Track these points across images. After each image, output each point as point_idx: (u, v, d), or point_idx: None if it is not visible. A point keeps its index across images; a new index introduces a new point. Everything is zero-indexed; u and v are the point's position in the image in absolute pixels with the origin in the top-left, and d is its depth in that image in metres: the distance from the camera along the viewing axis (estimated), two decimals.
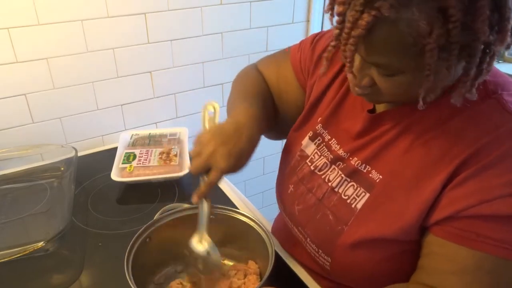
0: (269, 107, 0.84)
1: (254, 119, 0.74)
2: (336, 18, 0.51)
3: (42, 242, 0.76)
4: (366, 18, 0.46)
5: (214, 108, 0.78)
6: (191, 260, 0.69)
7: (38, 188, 1.01)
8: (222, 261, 0.73)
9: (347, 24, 0.49)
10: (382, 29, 0.47)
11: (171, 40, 1.24)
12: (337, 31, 0.51)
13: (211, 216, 0.73)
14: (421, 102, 0.52)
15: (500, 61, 1.94)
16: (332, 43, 0.54)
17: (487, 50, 0.48)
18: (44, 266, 0.82)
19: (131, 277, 0.62)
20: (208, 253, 0.68)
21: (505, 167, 0.53)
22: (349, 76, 0.60)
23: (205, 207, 0.70)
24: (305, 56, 0.81)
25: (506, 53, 1.93)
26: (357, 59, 0.56)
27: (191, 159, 0.73)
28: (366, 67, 0.55)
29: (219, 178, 0.68)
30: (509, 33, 0.46)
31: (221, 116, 0.76)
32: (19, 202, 0.98)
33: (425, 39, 0.45)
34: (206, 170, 0.68)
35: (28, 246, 0.75)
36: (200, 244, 0.68)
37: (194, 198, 0.70)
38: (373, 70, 0.55)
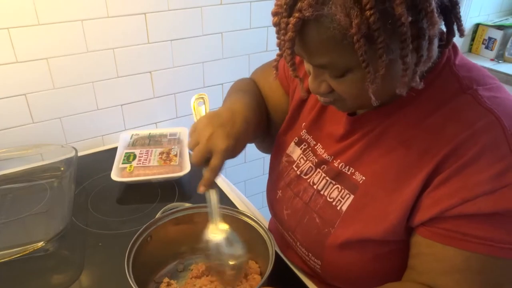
0: (262, 105, 0.85)
1: (249, 106, 0.75)
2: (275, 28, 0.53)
3: (42, 242, 0.76)
4: (292, 21, 0.48)
5: (203, 99, 0.78)
6: (208, 252, 0.67)
7: (38, 188, 1.01)
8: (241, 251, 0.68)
9: (281, 31, 0.51)
10: (311, 29, 0.49)
11: (171, 40, 1.24)
12: (277, 40, 0.53)
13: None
14: (373, 98, 0.52)
15: (500, 61, 1.94)
16: (278, 53, 0.55)
17: (421, 36, 0.47)
18: (44, 266, 0.82)
19: (132, 276, 0.62)
20: (227, 238, 0.66)
21: (483, 164, 0.53)
22: (310, 85, 0.59)
23: (213, 195, 0.67)
24: None
25: (506, 53, 1.92)
26: (310, 68, 0.57)
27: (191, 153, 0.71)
28: (319, 74, 0.56)
29: (221, 161, 0.66)
30: (434, 14, 0.46)
31: (212, 109, 0.76)
32: (19, 202, 0.98)
33: (348, 30, 0.46)
34: (207, 159, 0.67)
35: (28, 246, 0.75)
36: (217, 233, 0.66)
37: (201, 188, 0.67)
38: (326, 75, 0.56)
